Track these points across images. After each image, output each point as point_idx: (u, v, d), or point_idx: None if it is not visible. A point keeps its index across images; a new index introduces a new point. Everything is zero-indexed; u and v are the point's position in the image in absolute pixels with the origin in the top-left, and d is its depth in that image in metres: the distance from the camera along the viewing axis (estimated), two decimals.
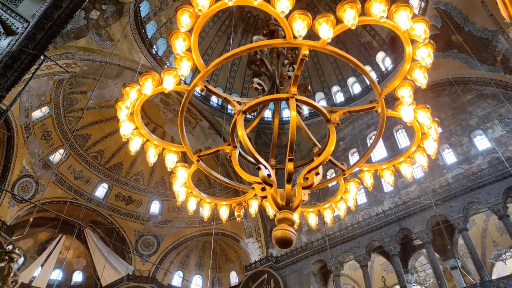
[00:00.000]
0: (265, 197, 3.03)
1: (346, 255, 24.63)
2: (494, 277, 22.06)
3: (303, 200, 2.96)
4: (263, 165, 2.87)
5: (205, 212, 4.02)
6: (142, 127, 3.45)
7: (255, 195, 3.95)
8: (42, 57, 6.31)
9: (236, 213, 4.02)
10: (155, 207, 33.50)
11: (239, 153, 3.53)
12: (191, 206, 3.95)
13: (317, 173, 2.90)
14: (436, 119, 3.14)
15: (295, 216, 4.18)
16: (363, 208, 26.23)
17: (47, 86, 24.44)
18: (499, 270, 23.67)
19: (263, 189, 3.00)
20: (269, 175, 2.87)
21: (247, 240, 30.92)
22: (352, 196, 3.75)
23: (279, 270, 26.87)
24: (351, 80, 32.93)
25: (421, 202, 21.96)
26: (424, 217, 21.63)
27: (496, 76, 22.72)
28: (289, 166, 2.84)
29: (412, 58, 2.76)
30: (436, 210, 19.61)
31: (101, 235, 30.83)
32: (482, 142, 23.13)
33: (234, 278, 33.29)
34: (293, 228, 2.62)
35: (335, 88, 33.51)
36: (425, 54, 2.63)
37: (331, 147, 2.95)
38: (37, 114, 25.73)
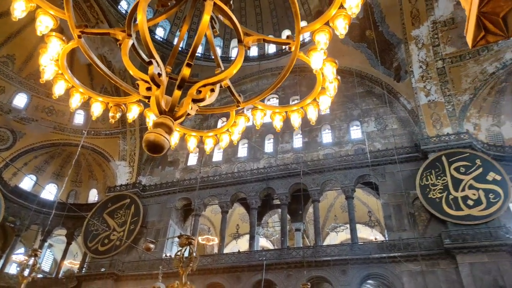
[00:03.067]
0: (149, 98, 2.71)
1: (212, 199, 25.78)
2: (325, 243, 25.95)
3: (189, 114, 2.73)
4: (157, 61, 2.52)
5: (74, 102, 3.47)
6: None
7: (139, 100, 3.57)
8: None
9: (110, 114, 3.57)
10: (20, 100, 29.13)
11: (133, 46, 3.06)
12: (59, 89, 3.35)
13: (212, 90, 2.69)
14: (338, 77, 3.20)
15: (176, 136, 3.97)
16: (241, 161, 27.45)
17: None
18: (331, 239, 27.96)
19: (148, 89, 2.66)
20: (159, 75, 2.54)
21: (119, 162, 29.66)
22: (238, 130, 3.68)
23: (144, 198, 26.74)
24: (285, 33, 32.96)
25: (292, 169, 24.01)
26: (289, 182, 23.80)
27: (387, 80, 25.48)
28: (185, 71, 2.55)
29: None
30: (302, 179, 21.71)
31: None
32: (356, 132, 26.09)
33: (93, 196, 31.92)
34: (169, 137, 2.39)
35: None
36: (353, 4, 2.57)
37: (234, 68, 2.75)
38: None
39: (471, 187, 19.31)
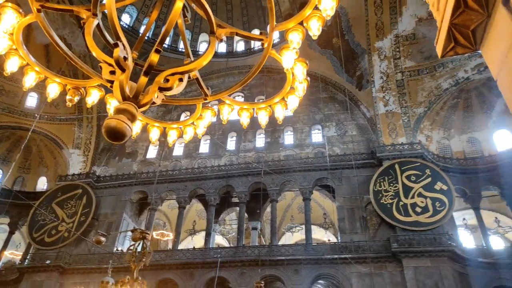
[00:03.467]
0: (112, 83, 2.57)
1: (170, 194, 25.28)
2: (280, 243, 26.29)
3: (154, 103, 2.63)
4: (123, 44, 2.39)
5: (28, 81, 3.23)
6: None
7: (100, 85, 3.39)
8: None
9: (68, 97, 3.36)
10: None
11: (98, 27, 2.89)
12: (11, 66, 3.10)
13: (181, 79, 2.60)
14: (308, 78, 3.22)
15: (138, 125, 3.81)
16: (202, 157, 27.13)
17: None
18: (286, 239, 28.39)
19: (112, 73, 2.52)
20: (125, 58, 2.42)
21: (72, 150, 28.24)
22: (204, 124, 3.60)
23: (97, 189, 25.68)
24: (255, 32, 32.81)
25: (252, 168, 24.09)
26: (249, 181, 23.88)
27: (350, 87, 26.27)
28: (154, 57, 2.45)
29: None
30: (262, 178, 21.84)
31: None
32: (317, 136, 26.66)
33: (42, 184, 30.15)
34: (131, 124, 2.28)
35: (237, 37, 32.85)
36: (328, 6, 2.59)
37: (205, 59, 2.68)
38: None
39: (420, 195, 20.37)
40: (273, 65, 28.60)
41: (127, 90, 2.41)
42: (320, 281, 21.50)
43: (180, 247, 24.78)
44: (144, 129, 3.91)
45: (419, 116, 23.77)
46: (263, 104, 3.48)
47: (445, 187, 20.30)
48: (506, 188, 21.45)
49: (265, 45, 2.88)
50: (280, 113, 3.42)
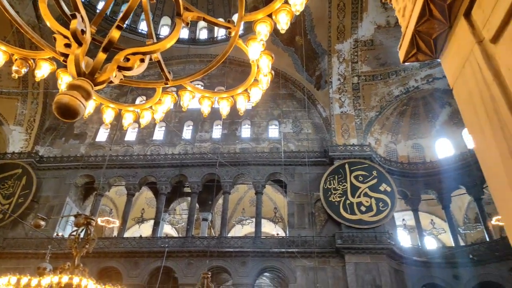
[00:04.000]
0: (66, 56, 2.40)
1: (119, 180, 24.39)
2: (230, 235, 26.41)
3: (111, 82, 2.49)
4: (81, 16, 2.23)
5: None
6: None
7: (52, 58, 3.15)
8: None
9: (14, 68, 3.08)
10: None
11: None
12: None
13: (142, 60, 2.48)
14: (272, 72, 3.23)
15: (91, 105, 3.60)
16: (156, 144, 26.42)
17: None
18: (236, 231, 28.59)
19: (67, 46, 2.36)
20: (83, 32, 2.27)
21: (14, 127, 26.24)
22: (163, 109, 3.48)
23: (39, 170, 24.12)
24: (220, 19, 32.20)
25: (207, 158, 23.89)
26: (203, 172, 23.67)
27: (309, 86, 26.84)
28: (114, 33, 2.31)
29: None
30: (217, 169, 21.73)
31: None
32: (273, 131, 27.00)
33: None
34: (85, 102, 2.14)
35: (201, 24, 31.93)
36: (298, 1, 2.60)
37: (170, 41, 2.58)
38: None
39: (366, 194, 21.40)
40: (235, 56, 28.43)
41: (83, 65, 2.26)
42: (266, 274, 21.93)
43: (126, 235, 24.04)
44: (97, 110, 3.71)
45: (371, 119, 24.86)
46: (226, 94, 3.44)
47: (389, 189, 21.49)
48: (442, 193, 23.18)
49: (232, 34, 2.84)
50: (242, 105, 3.40)
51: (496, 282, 19.28)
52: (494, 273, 19.44)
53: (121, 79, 2.65)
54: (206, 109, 3.46)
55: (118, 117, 3.84)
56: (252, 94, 3.38)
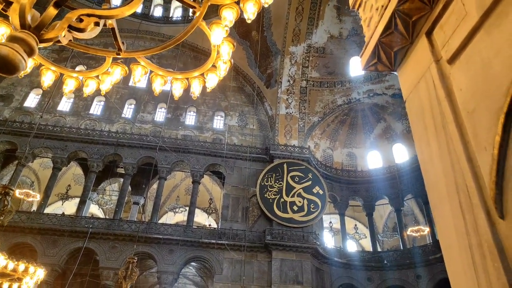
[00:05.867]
0: (8, 5, 2.15)
1: (45, 151, 22.56)
2: (161, 221, 25.84)
3: (59, 41, 2.28)
4: None
5: None
6: None
7: None
8: None
9: None
10: None
11: None
12: None
13: (97, 24, 2.30)
14: (232, 60, 3.19)
15: (29, 64, 3.27)
16: (92, 118, 24.85)
17: None
18: (168, 218, 28.02)
19: None
20: None
21: None
22: (112, 80, 3.26)
23: None
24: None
25: (147, 141, 23.06)
26: (140, 154, 22.80)
27: (259, 83, 27.08)
28: None
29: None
30: (157, 153, 21.05)
31: None
32: (218, 122, 26.85)
33: None
34: (27, 58, 1.93)
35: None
36: None
37: (130, 9, 2.42)
38: None
39: (299, 195, 22.20)
40: (189, 40, 27.73)
41: (28, 18, 2.04)
42: (192, 263, 21.80)
43: (47, 211, 22.33)
44: (29, 73, 3.39)
45: (313, 124, 25.79)
46: (181, 75, 3.32)
47: (321, 192, 22.51)
48: (368, 201, 24.85)
49: (197, 14, 2.75)
50: (197, 89, 3.31)
51: (403, 286, 21.20)
52: (402, 278, 21.33)
53: (70, 40, 2.44)
54: (157, 88, 3.31)
55: (52, 84, 3.53)
56: (208, 80, 3.31)
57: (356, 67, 25.66)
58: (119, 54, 3.04)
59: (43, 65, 3.24)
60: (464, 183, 1.13)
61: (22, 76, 3.22)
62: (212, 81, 3.27)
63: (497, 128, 0.99)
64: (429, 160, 1.36)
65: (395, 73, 1.74)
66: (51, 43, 2.20)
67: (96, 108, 25.72)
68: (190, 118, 26.55)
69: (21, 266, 6.48)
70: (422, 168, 1.43)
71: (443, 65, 1.36)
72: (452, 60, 1.30)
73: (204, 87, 3.45)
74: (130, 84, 26.70)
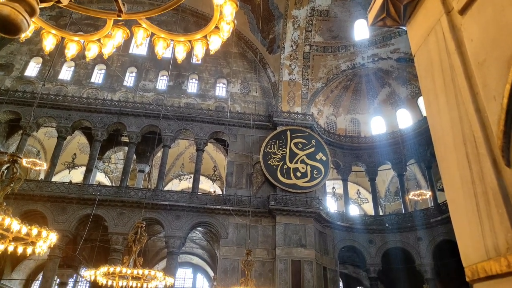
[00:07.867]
0: None
1: (49, 120, 22.65)
2: (166, 189, 26.29)
3: (59, 2, 2.23)
4: None
5: None
6: None
7: None
8: None
9: None
10: None
11: None
12: None
13: None
14: (235, 21, 3.12)
15: (30, 28, 3.21)
16: (94, 87, 24.70)
17: None
18: (173, 186, 28.50)
19: None
20: None
21: None
22: (113, 44, 3.21)
23: None
24: None
25: (149, 109, 23.02)
26: (143, 122, 22.84)
27: (261, 48, 26.57)
28: None
29: None
30: (160, 121, 21.07)
31: None
32: (221, 90, 26.63)
33: None
34: (29, 18, 1.90)
35: None
36: None
37: None
38: None
39: (302, 161, 22.37)
40: (189, 5, 26.99)
41: None
42: (199, 228, 22.40)
43: (55, 179, 22.75)
44: (27, 41, 3.34)
45: (316, 90, 25.52)
46: (183, 37, 3.26)
47: (324, 158, 22.66)
48: (371, 166, 25.03)
49: None
50: (200, 51, 3.26)
51: (404, 248, 21.81)
52: (403, 240, 21.90)
53: (71, 1, 2.39)
54: (160, 51, 3.26)
55: (52, 52, 3.49)
56: (211, 42, 3.25)
57: (361, 30, 25.00)
58: (120, 16, 2.97)
59: (44, 29, 3.19)
60: (471, 134, 1.14)
61: (23, 40, 3.19)
62: (215, 43, 3.21)
63: (508, 77, 0.99)
64: (437, 114, 1.36)
65: (403, 28, 1.71)
66: (52, 3, 2.15)
67: (98, 77, 25.51)
68: (192, 86, 26.33)
69: (34, 231, 6.70)
70: (430, 123, 1.43)
71: (454, 16, 1.33)
72: (463, 10, 1.27)
73: (207, 50, 3.40)
74: (130, 51, 26.31)
